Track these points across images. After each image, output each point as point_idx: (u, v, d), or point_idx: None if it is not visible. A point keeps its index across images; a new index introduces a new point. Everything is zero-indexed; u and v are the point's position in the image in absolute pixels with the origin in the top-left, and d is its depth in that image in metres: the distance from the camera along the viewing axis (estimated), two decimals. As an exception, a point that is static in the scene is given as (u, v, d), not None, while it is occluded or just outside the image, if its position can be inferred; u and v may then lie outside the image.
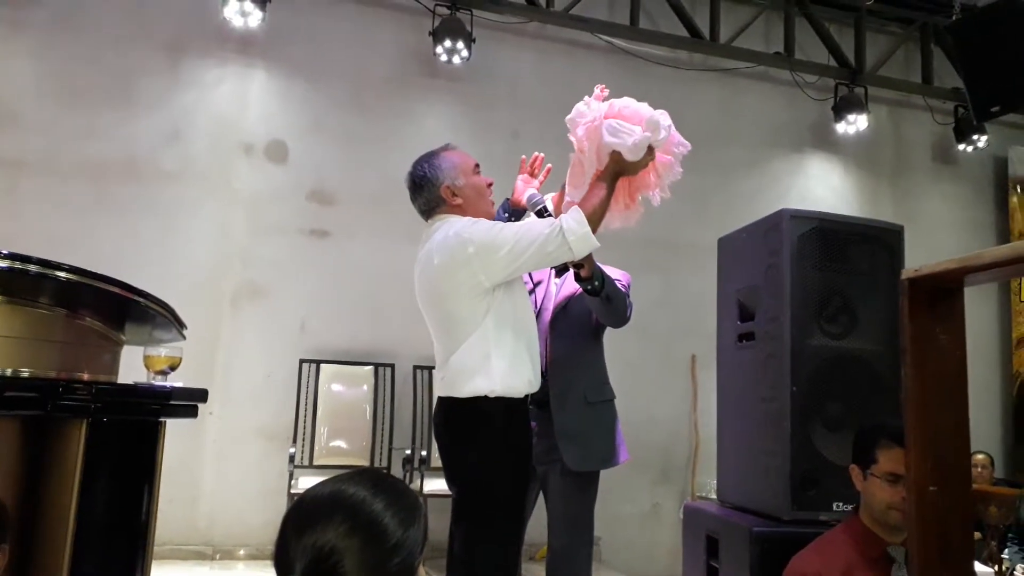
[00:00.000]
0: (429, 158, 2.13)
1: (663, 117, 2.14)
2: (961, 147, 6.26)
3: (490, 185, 2.17)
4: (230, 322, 4.66)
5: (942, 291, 1.39)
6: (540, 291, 2.47)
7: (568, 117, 2.25)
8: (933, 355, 1.37)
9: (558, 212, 2.34)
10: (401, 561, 0.93)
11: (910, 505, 1.35)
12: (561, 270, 2.45)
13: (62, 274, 1.65)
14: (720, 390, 2.84)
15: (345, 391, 4.62)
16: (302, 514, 0.95)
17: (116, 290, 1.74)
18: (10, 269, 1.59)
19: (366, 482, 0.98)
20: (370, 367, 4.70)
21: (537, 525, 2.34)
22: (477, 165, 2.16)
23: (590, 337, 2.43)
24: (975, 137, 6.17)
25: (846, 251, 2.47)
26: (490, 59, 5.22)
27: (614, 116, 2.13)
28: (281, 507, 4.27)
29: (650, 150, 2.13)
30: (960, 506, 1.37)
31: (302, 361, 4.61)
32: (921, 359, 1.37)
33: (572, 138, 2.23)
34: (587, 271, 2.17)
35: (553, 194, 2.43)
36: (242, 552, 4.40)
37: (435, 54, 4.97)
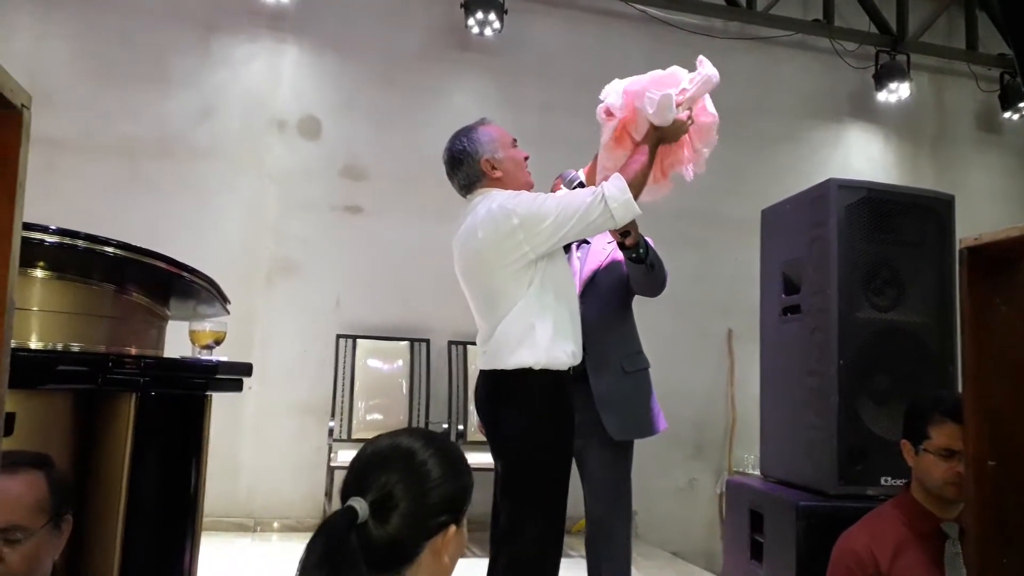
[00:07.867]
0: (467, 132, 2.12)
1: (705, 66, 2.10)
2: (1007, 115, 6.07)
3: (526, 159, 2.16)
4: (265, 299, 4.70)
5: (1002, 260, 1.34)
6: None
7: (602, 101, 2.20)
8: (992, 326, 1.33)
9: (591, 184, 2.31)
10: (443, 496, 1.14)
11: (968, 480, 1.31)
12: (582, 242, 2.44)
13: (109, 249, 1.67)
14: (763, 364, 2.79)
15: (381, 366, 4.66)
16: (367, 459, 1.17)
17: (162, 265, 1.75)
18: (59, 244, 1.60)
19: (418, 436, 1.20)
20: (406, 342, 4.73)
21: (572, 498, 2.33)
22: (515, 139, 2.16)
23: (621, 307, 2.42)
24: (1021, 105, 5.97)
25: (895, 221, 2.40)
26: (522, 31, 5.15)
27: (651, 85, 2.09)
28: (320, 480, 4.32)
29: (688, 118, 2.09)
30: (1020, 481, 1.33)
31: (339, 336, 4.65)
32: (980, 330, 1.33)
33: (602, 116, 2.18)
34: (632, 239, 2.16)
35: (585, 167, 2.40)
36: (276, 524, 4.47)
37: (467, 26, 4.91)
